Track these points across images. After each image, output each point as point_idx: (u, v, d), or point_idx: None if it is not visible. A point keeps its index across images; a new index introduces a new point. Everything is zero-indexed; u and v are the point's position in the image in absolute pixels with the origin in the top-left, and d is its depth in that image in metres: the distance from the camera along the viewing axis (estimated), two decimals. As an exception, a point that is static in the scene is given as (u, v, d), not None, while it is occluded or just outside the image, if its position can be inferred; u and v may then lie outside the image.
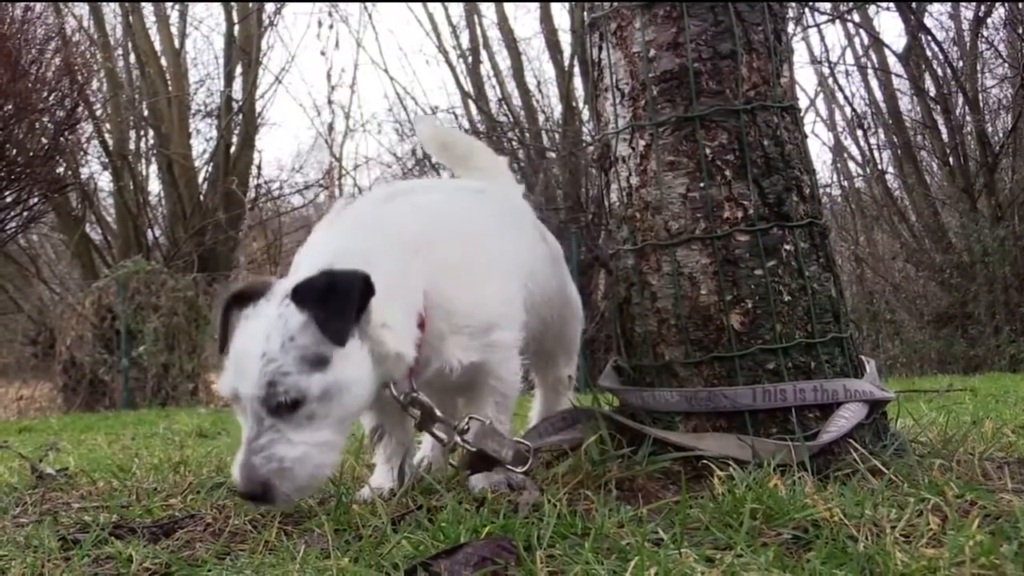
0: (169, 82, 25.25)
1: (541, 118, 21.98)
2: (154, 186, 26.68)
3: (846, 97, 26.51)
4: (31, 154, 17.10)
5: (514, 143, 21.06)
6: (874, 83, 24.18)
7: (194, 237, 23.48)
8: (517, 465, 3.22)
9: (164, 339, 19.11)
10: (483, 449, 3.19)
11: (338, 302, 2.83)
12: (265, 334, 2.79)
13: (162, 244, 25.13)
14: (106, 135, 24.64)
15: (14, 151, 16.76)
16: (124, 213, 24.61)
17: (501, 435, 3.28)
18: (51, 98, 17.76)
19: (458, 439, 3.22)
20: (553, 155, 20.07)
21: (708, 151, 3.35)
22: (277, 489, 2.74)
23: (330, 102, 27.93)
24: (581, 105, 20.36)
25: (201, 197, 25.11)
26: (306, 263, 3.04)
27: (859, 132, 25.10)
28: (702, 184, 3.35)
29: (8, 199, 17.47)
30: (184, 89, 25.71)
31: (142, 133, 26.49)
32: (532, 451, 3.29)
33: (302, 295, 2.84)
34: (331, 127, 24.86)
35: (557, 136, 20.88)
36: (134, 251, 22.61)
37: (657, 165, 3.41)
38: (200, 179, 25.72)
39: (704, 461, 3.09)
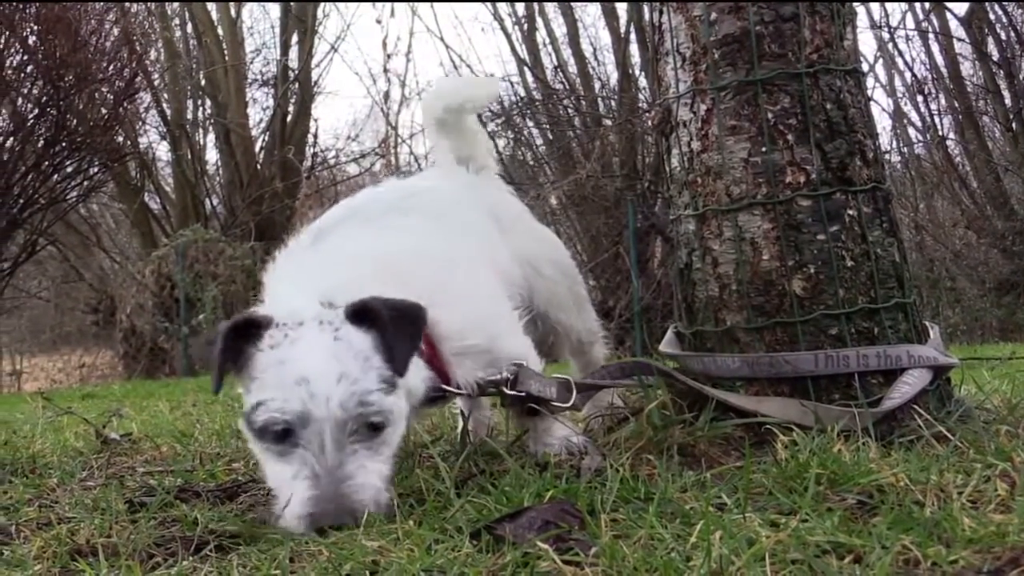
0: (226, 51, 25.36)
1: (597, 85, 21.86)
2: (211, 155, 26.88)
3: (906, 62, 26.11)
4: (91, 124, 17.29)
5: (570, 110, 20.99)
6: (935, 48, 23.83)
7: (251, 206, 23.62)
8: (562, 400, 3.24)
9: (223, 307, 19.30)
10: (530, 391, 3.20)
11: (407, 330, 2.75)
12: (333, 354, 2.65)
13: (220, 213, 25.30)
14: (164, 105, 24.83)
15: (75, 121, 16.95)
16: (182, 182, 24.81)
17: (541, 375, 3.27)
18: (110, 68, 17.92)
19: (505, 391, 3.19)
20: (609, 123, 19.98)
21: (770, 115, 3.32)
22: (362, 516, 2.54)
23: (386, 70, 27.84)
24: (637, 72, 20.23)
25: (258, 166, 25.25)
26: (291, 291, 2.93)
27: (919, 97, 24.72)
28: (764, 148, 3.32)
29: (69, 169, 17.70)
30: (241, 58, 25.82)
31: (199, 103, 26.68)
32: (574, 384, 3.32)
33: (365, 317, 2.73)
34: (387, 95, 24.80)
35: (613, 103, 20.76)
36: (192, 220, 22.82)
37: (718, 129, 3.39)
38: (257, 148, 25.86)
39: (766, 427, 3.08)
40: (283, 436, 2.63)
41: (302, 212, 24.36)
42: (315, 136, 26.77)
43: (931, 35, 23.51)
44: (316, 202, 25.25)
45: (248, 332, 2.73)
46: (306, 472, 2.59)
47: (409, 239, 3.33)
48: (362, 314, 2.74)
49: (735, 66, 3.37)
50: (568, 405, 3.26)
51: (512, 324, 3.41)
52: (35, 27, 16.65)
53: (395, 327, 2.70)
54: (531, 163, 21.69)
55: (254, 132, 26.02)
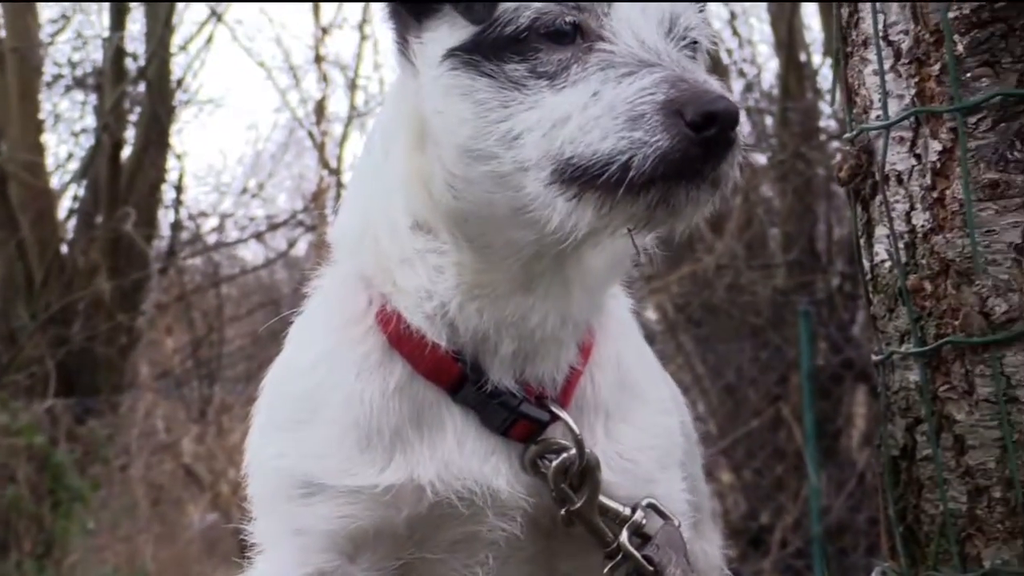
0: (0, 22, 25.57)
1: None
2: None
3: None
4: None
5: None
6: None
7: (48, 327, 23.68)
8: None
9: (-8, 526, 19.36)
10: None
11: None
12: None
13: (-13, 340, 25.47)
14: None
15: None
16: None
17: (686, 553, 3.35)
18: None
19: (624, 540, 3.32)
20: (762, 159, 20.10)
21: (1068, 161, 3.35)
22: None
23: (318, 59, 27.86)
24: (816, 59, 20.39)
25: (64, 247, 25.28)
26: None
27: None
28: (1054, 226, 3.38)
29: None
30: (31, 37, 26.02)
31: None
32: None
33: None
34: (320, 108, 24.98)
35: (769, 120, 20.86)
36: (-71, 357, 22.95)
37: (965, 188, 3.37)
38: (62, 212, 25.94)
39: None
40: None
41: (152, 341, 24.34)
42: (179, 188, 26.88)
43: None
44: (179, 317, 25.25)
45: None
46: None
47: None
48: None
49: (996, 66, 3.38)
50: None
51: None
52: None
53: None
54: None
55: (56, 180, 26.14)
